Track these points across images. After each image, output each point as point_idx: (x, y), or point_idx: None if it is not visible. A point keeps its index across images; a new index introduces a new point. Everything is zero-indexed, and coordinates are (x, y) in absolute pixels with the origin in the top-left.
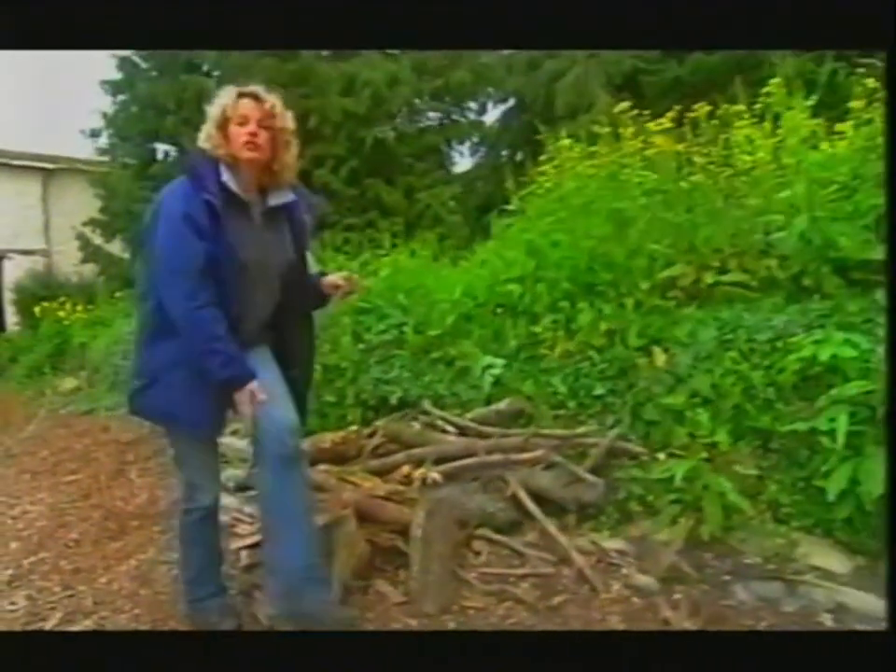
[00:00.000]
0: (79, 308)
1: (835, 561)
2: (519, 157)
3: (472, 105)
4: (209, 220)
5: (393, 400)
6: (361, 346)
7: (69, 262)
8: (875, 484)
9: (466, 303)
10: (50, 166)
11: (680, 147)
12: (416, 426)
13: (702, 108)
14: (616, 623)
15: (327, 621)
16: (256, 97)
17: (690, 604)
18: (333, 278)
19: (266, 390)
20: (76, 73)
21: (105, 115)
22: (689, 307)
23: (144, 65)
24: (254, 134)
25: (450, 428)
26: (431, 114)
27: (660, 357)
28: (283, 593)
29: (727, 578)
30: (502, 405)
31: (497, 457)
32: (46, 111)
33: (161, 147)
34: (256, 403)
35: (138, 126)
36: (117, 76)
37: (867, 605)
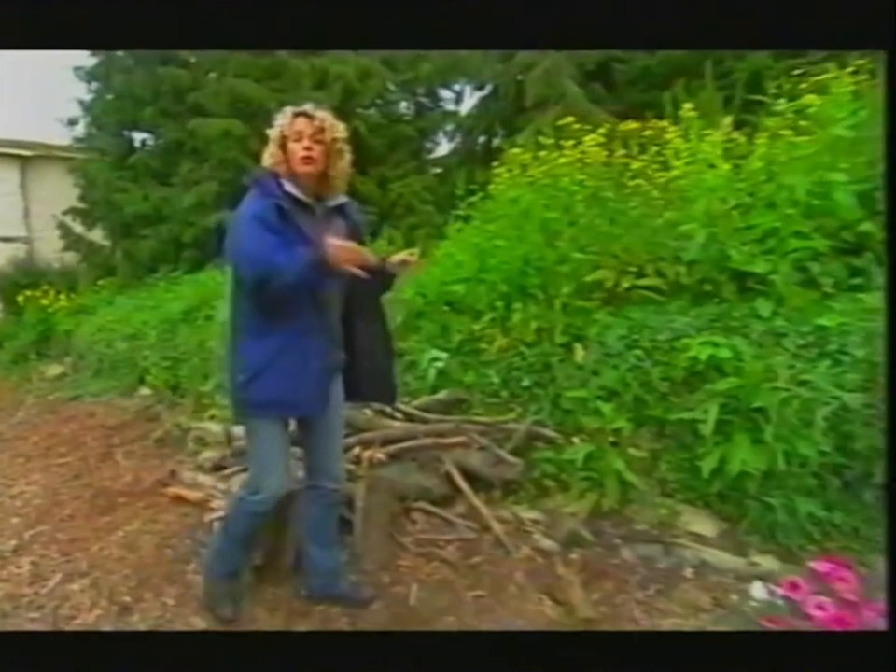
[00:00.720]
0: (62, 296)
1: (707, 527)
2: (496, 143)
3: (448, 94)
4: (278, 219)
5: None
6: None
7: (50, 250)
8: (736, 464)
9: (417, 301)
10: (27, 153)
11: (615, 158)
12: (368, 412)
13: (628, 125)
14: (519, 577)
15: (351, 599)
16: (307, 115)
17: (580, 562)
18: (399, 256)
19: (322, 433)
20: (52, 58)
21: (81, 103)
22: (609, 308)
23: (119, 53)
24: (309, 149)
25: (397, 415)
26: (405, 104)
27: (579, 353)
28: (322, 585)
29: (618, 541)
30: (443, 394)
31: (430, 440)
32: (23, 97)
33: (139, 137)
34: (349, 252)
35: (115, 116)
36: (91, 61)
37: (724, 561)
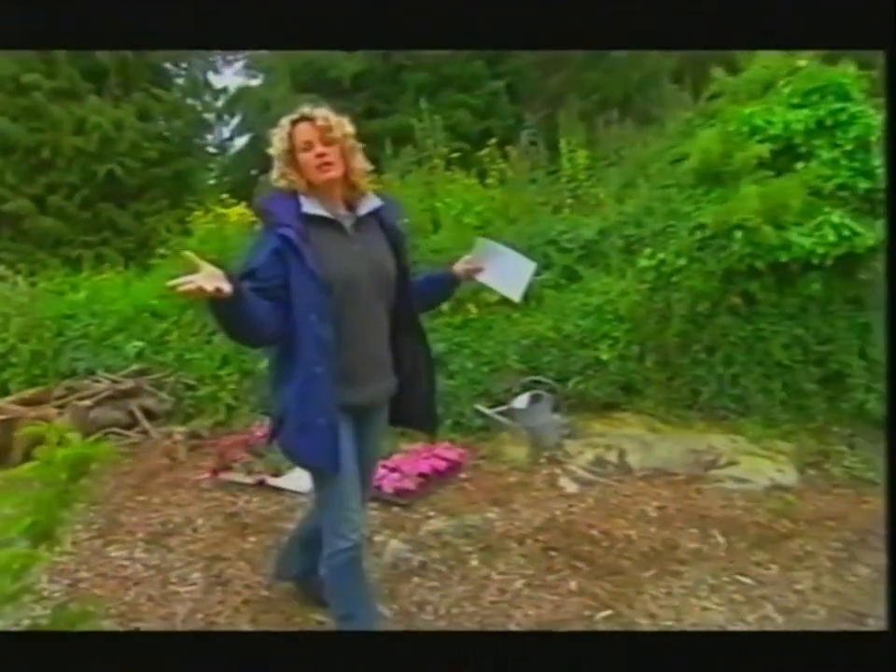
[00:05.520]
0: None
1: None
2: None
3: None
4: (279, 260)
5: (80, 370)
6: (61, 338)
7: None
8: None
9: (128, 310)
10: None
11: None
12: (87, 382)
13: None
14: (157, 454)
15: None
16: (308, 119)
17: (190, 442)
18: (467, 265)
19: (346, 476)
20: None
21: None
22: None
23: None
24: (323, 155)
25: (104, 380)
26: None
27: None
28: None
29: (220, 431)
30: (136, 366)
31: (112, 391)
32: None
33: None
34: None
35: None
36: None
37: None
